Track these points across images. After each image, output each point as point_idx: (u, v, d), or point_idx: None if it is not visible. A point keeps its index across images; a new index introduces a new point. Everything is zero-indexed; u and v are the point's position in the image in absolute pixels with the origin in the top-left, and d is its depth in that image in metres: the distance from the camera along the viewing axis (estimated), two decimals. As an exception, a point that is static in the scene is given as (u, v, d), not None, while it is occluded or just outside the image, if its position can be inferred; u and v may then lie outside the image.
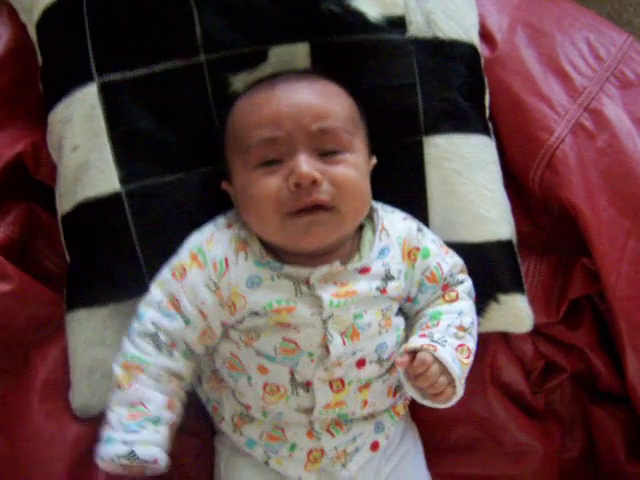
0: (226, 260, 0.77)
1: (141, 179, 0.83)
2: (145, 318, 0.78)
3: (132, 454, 0.73)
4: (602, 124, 0.94)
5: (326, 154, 0.76)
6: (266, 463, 0.83)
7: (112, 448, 0.74)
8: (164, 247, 0.81)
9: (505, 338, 0.96)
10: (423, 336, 0.79)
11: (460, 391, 0.77)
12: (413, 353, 0.75)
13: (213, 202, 0.84)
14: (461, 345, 0.79)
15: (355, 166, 0.77)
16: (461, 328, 0.80)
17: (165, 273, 0.79)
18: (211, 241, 0.79)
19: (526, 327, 0.90)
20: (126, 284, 0.83)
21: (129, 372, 0.76)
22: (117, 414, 0.75)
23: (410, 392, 0.78)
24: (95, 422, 0.86)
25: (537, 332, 0.96)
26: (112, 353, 0.83)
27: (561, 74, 0.96)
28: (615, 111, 0.95)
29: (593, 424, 0.99)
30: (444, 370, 0.75)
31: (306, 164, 0.73)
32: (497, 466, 0.96)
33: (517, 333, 0.92)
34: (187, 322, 0.77)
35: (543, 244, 0.98)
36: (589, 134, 0.94)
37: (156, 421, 0.76)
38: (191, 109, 0.85)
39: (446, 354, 0.75)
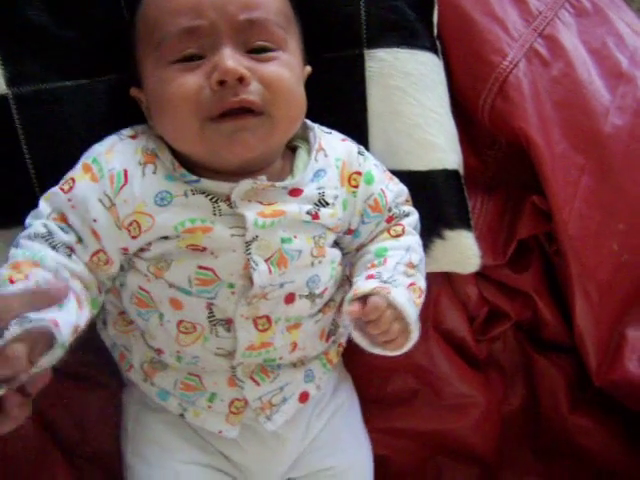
0: (125, 173, 0.65)
1: (34, 82, 0.70)
2: (35, 224, 0.65)
3: (24, 317, 0.54)
4: (557, 52, 0.87)
5: (255, 51, 0.65)
6: (182, 416, 0.73)
7: None
8: (61, 165, 0.68)
9: (449, 280, 0.90)
10: (371, 277, 0.70)
11: (415, 336, 0.68)
12: (363, 298, 0.66)
13: (120, 114, 0.73)
14: (412, 284, 0.71)
15: (289, 66, 0.66)
16: (410, 265, 0.72)
17: (55, 187, 0.67)
18: (111, 151, 0.67)
19: (473, 267, 0.83)
20: (15, 207, 0.70)
21: (20, 269, 0.59)
22: None
23: (358, 340, 0.69)
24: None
25: (482, 276, 0.90)
26: None
27: (515, -4, 0.88)
28: (570, 39, 0.89)
29: (536, 374, 0.94)
30: (398, 315, 0.66)
31: (232, 59, 0.62)
32: (436, 419, 0.90)
33: (463, 273, 0.85)
34: (79, 239, 0.65)
35: (490, 181, 0.91)
36: (543, 61, 0.87)
37: (61, 304, 0.58)
38: (96, 4, 0.73)
39: (401, 296, 0.67)
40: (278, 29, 0.66)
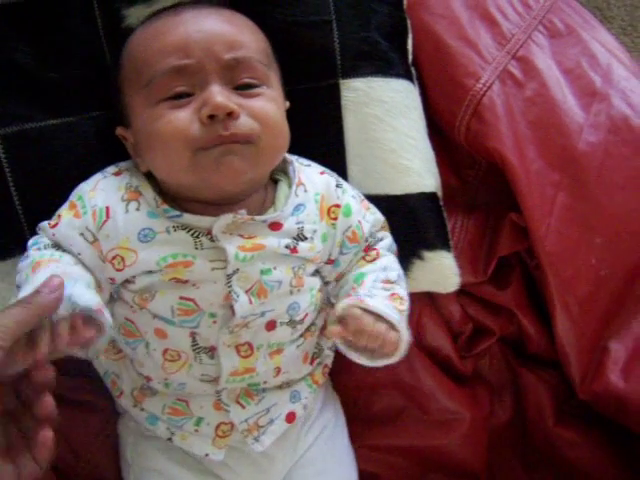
0: (107, 209, 0.68)
1: (19, 122, 0.73)
2: (40, 241, 0.68)
3: (69, 300, 0.59)
4: (531, 73, 0.89)
5: (241, 88, 0.68)
6: (170, 440, 0.75)
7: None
8: (48, 202, 0.71)
9: (431, 299, 0.91)
10: (348, 297, 0.72)
11: (405, 335, 0.70)
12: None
13: (105, 152, 0.75)
14: (392, 294, 0.73)
15: (274, 101, 0.69)
16: (387, 282, 0.74)
17: (46, 221, 0.70)
18: (95, 189, 0.70)
19: (452, 286, 0.85)
20: (4, 242, 0.73)
21: (41, 264, 0.64)
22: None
23: (357, 360, 0.71)
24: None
25: (464, 293, 0.92)
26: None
27: (488, 20, 0.91)
28: (544, 60, 0.91)
29: (522, 389, 0.95)
30: (379, 317, 0.69)
31: (221, 95, 0.65)
32: (423, 436, 0.91)
33: (443, 293, 0.86)
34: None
35: (470, 200, 0.93)
36: (517, 82, 0.89)
37: (88, 285, 0.64)
38: (79, 45, 0.75)
39: (375, 302, 0.69)
40: (261, 66, 0.69)
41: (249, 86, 0.68)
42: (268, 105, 0.68)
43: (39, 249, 0.68)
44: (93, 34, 0.76)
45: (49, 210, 0.70)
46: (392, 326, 0.69)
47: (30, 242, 0.69)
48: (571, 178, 0.86)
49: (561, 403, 0.93)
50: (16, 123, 0.73)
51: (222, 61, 0.67)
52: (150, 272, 0.68)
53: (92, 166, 0.73)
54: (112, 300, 0.73)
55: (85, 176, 0.72)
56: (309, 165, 0.77)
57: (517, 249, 0.91)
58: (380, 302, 0.70)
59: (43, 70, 0.74)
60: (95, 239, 0.68)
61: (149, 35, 0.69)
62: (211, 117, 0.64)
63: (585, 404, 0.90)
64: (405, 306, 0.73)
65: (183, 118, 0.65)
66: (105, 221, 0.67)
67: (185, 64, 0.66)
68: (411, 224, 0.82)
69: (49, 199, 0.71)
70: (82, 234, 0.67)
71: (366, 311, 0.69)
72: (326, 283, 0.78)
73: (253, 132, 0.66)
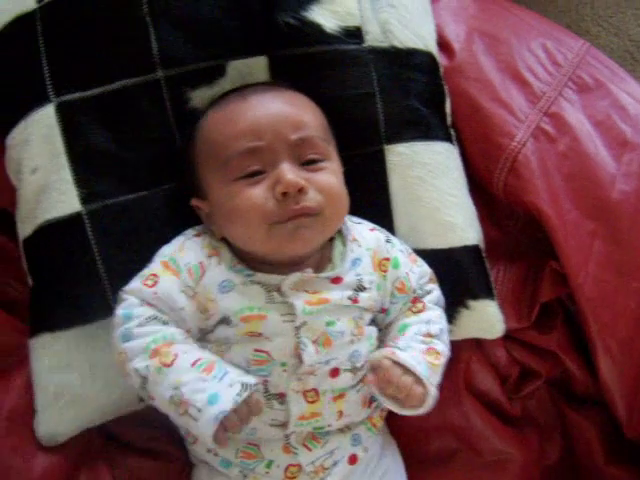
0: (201, 264, 0.77)
1: (102, 199, 0.82)
2: (136, 312, 0.74)
3: (245, 385, 0.69)
4: (563, 128, 0.95)
5: (307, 163, 0.76)
6: None
7: (223, 397, 0.68)
8: (128, 268, 0.79)
9: (478, 345, 0.96)
10: (387, 347, 0.79)
11: (432, 391, 0.77)
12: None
13: (177, 220, 0.83)
14: (429, 348, 0.79)
15: (335, 173, 0.78)
16: (428, 335, 0.81)
17: (135, 282, 0.77)
18: (182, 249, 0.78)
19: (497, 332, 0.90)
20: (90, 306, 0.81)
21: (161, 352, 0.71)
22: (190, 379, 0.70)
23: (387, 405, 0.78)
24: (61, 452, 0.85)
25: (510, 338, 0.96)
26: (78, 377, 0.81)
27: (520, 80, 0.97)
28: (575, 115, 0.96)
29: (570, 428, 0.98)
30: (407, 371, 0.75)
31: (291, 172, 0.74)
32: (476, 477, 0.94)
33: (489, 339, 0.91)
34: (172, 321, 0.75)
35: (511, 249, 0.98)
36: (550, 138, 0.95)
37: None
38: (150, 126, 0.84)
39: (406, 356, 0.76)
40: (322, 142, 0.78)
41: (314, 161, 0.77)
42: (331, 178, 0.77)
43: (140, 325, 0.73)
44: (162, 116, 0.84)
45: (130, 274, 0.78)
46: (419, 381, 0.76)
47: (121, 311, 0.75)
48: (606, 226, 0.91)
49: (610, 442, 0.96)
50: (99, 200, 0.82)
51: (289, 141, 0.75)
52: (228, 324, 0.75)
53: (165, 233, 0.81)
54: None
55: (159, 241, 0.80)
56: (360, 223, 0.85)
57: (558, 294, 0.96)
58: (412, 356, 0.77)
59: (121, 151, 0.83)
60: (194, 293, 0.75)
61: (222, 120, 0.78)
62: (284, 193, 0.73)
63: (634, 442, 0.93)
64: (440, 361, 0.79)
65: (259, 195, 0.74)
66: (201, 276, 0.76)
67: (257, 146, 0.75)
68: (456, 275, 0.88)
69: (129, 265, 0.79)
70: (183, 291, 0.75)
71: (396, 363, 0.75)
72: (379, 331, 0.85)
73: (320, 205, 0.75)
